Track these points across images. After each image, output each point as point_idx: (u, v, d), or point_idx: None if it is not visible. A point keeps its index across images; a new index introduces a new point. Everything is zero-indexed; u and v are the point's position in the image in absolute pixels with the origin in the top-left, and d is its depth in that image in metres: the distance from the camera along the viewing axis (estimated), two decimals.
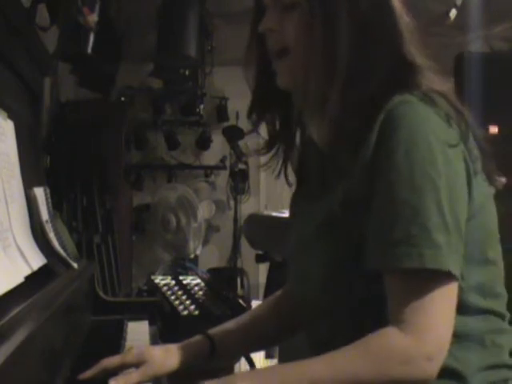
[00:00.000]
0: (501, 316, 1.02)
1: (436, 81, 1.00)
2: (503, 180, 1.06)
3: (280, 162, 1.14)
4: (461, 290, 0.94)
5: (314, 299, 1.05)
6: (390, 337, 0.89)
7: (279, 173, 1.15)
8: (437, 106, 0.94)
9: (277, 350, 2.94)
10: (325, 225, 1.01)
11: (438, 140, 0.92)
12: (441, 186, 0.90)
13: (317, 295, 1.04)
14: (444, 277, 0.89)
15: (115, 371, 1.07)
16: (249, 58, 1.11)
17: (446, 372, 0.94)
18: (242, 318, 1.24)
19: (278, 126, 1.14)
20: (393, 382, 0.89)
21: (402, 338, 0.88)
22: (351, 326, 0.92)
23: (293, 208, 1.20)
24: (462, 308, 0.95)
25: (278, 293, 1.27)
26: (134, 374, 1.04)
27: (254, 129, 1.14)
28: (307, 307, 1.09)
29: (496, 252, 1.03)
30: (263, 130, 1.15)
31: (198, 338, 1.17)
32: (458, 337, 0.95)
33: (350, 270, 0.96)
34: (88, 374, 1.05)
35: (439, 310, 0.89)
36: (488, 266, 1.01)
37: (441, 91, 0.98)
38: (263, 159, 1.17)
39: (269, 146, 1.14)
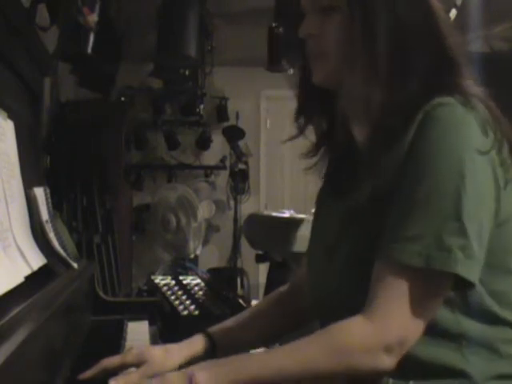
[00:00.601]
0: None
1: (474, 84, 1.00)
2: None
3: (325, 163, 1.14)
4: (476, 293, 0.94)
5: (329, 296, 1.05)
6: (352, 324, 0.91)
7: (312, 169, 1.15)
8: (476, 111, 0.94)
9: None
10: (347, 221, 1.02)
11: (469, 145, 0.91)
12: (464, 192, 0.89)
13: (332, 292, 1.04)
14: (445, 279, 0.89)
15: (115, 371, 1.07)
16: (293, 62, 1.11)
17: (456, 372, 0.94)
18: (242, 316, 1.24)
19: (325, 128, 1.13)
20: (350, 370, 0.90)
21: (363, 326, 0.89)
22: None
23: (318, 204, 1.20)
24: (477, 312, 0.95)
25: (281, 289, 1.28)
26: (133, 374, 1.04)
27: (301, 132, 1.13)
28: (321, 304, 1.09)
29: None
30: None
31: (197, 336, 1.18)
32: (470, 341, 0.95)
33: (368, 267, 0.95)
34: (88, 373, 1.05)
35: (418, 308, 0.89)
36: (510, 276, 0.99)
37: (481, 96, 0.98)
38: (305, 162, 1.15)
39: (316, 148, 1.14)
